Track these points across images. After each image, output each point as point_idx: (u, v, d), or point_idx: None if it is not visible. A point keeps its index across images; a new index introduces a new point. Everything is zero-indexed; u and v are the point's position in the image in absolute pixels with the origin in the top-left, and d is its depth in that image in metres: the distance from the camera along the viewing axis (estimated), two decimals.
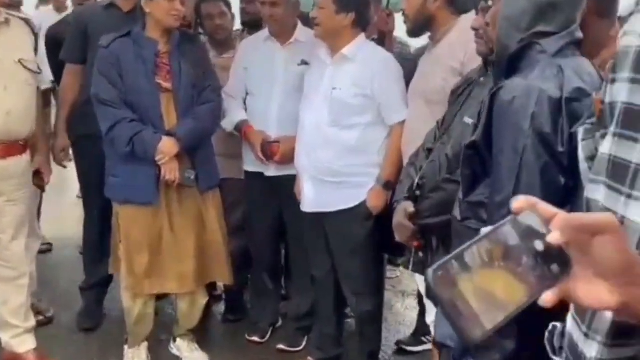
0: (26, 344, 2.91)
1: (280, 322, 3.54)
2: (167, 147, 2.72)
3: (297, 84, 3.06)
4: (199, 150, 2.87)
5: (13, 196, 2.70)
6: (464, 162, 1.58)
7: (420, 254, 2.12)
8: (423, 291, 2.66)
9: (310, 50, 3.05)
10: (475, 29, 1.91)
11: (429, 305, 2.55)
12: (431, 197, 2.00)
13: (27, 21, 2.83)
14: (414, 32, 2.61)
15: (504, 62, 1.59)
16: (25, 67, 2.67)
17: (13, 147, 2.65)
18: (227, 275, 3.06)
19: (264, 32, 3.25)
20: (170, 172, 2.74)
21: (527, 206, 0.71)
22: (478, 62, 2.11)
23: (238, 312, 3.64)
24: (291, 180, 3.08)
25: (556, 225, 0.70)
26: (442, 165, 1.99)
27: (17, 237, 2.78)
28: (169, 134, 2.75)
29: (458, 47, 2.41)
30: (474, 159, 1.53)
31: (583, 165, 1.10)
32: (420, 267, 2.16)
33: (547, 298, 0.71)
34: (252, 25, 3.66)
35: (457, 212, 1.60)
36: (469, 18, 2.55)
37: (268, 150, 3.08)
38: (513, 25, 1.56)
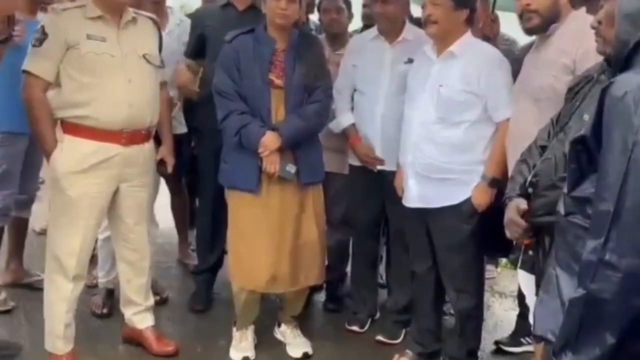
0: (146, 321, 3.12)
1: (378, 314, 3.61)
2: (270, 141, 2.85)
3: (403, 83, 3.10)
4: (302, 146, 2.97)
5: (136, 182, 2.91)
6: (571, 156, 1.57)
7: (530, 252, 2.09)
8: (526, 291, 2.62)
9: (416, 49, 3.09)
10: (594, 28, 1.88)
11: (532, 306, 2.51)
12: (546, 195, 1.95)
13: (153, 20, 3.03)
14: (540, 29, 2.49)
15: (621, 59, 1.56)
16: (148, 61, 2.87)
17: (136, 136, 2.84)
18: (319, 277, 3.14)
19: (372, 31, 3.32)
20: (271, 164, 2.86)
21: None
22: (592, 59, 2.07)
23: (337, 302, 3.74)
24: (394, 175, 3.13)
25: None
26: (558, 163, 1.95)
27: (140, 221, 2.99)
28: (274, 128, 2.87)
29: (570, 44, 2.36)
30: (582, 154, 1.52)
31: None
32: (530, 266, 2.12)
33: None
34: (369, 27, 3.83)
35: (561, 207, 1.59)
36: (578, 15, 2.51)
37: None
38: (633, 22, 1.54)
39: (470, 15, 2.83)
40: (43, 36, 2.67)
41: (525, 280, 2.43)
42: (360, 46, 3.34)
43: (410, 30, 3.27)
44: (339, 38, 3.67)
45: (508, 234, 2.13)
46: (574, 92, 2.15)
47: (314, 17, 4.43)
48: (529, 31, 2.51)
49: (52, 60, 2.69)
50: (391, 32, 3.23)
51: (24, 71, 2.70)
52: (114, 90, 2.72)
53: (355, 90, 3.34)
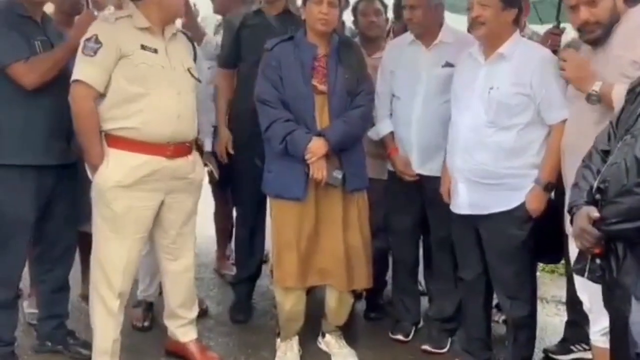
0: (189, 334, 3.07)
1: (421, 322, 3.54)
2: (317, 147, 2.80)
3: (440, 87, 3.05)
4: (348, 151, 2.92)
5: (180, 194, 2.86)
6: None
7: (597, 261, 2.00)
8: (586, 300, 2.53)
9: (455, 51, 3.03)
10: None
11: (596, 315, 2.42)
12: (620, 201, 1.86)
13: (186, 34, 3.01)
14: (603, 38, 2.38)
15: None
16: (192, 75, 2.84)
17: (181, 148, 2.80)
18: (367, 280, 3.09)
19: (409, 35, 3.26)
20: (318, 171, 2.82)
21: None
22: None
23: (378, 311, 3.69)
24: (435, 180, 3.07)
25: None
26: (629, 168, 1.86)
27: (184, 233, 2.94)
28: (320, 134, 2.83)
29: (634, 41, 2.27)
30: None
31: None
32: (598, 275, 2.03)
33: None
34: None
35: None
36: (636, 11, 2.42)
37: None
38: None
39: (518, 15, 2.77)
40: (97, 45, 2.59)
41: (587, 288, 2.35)
42: (397, 51, 3.29)
43: (448, 33, 3.20)
44: (375, 41, 3.62)
45: (578, 243, 2.03)
46: (635, 93, 2.07)
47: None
48: (592, 43, 2.41)
49: (105, 70, 2.62)
50: (425, 35, 3.16)
51: (75, 80, 2.62)
52: (164, 102, 2.68)
53: (393, 95, 3.27)
